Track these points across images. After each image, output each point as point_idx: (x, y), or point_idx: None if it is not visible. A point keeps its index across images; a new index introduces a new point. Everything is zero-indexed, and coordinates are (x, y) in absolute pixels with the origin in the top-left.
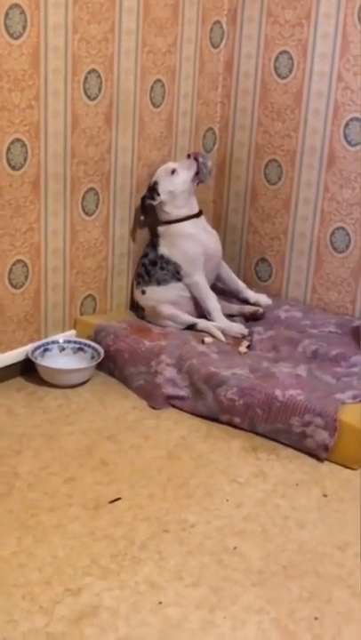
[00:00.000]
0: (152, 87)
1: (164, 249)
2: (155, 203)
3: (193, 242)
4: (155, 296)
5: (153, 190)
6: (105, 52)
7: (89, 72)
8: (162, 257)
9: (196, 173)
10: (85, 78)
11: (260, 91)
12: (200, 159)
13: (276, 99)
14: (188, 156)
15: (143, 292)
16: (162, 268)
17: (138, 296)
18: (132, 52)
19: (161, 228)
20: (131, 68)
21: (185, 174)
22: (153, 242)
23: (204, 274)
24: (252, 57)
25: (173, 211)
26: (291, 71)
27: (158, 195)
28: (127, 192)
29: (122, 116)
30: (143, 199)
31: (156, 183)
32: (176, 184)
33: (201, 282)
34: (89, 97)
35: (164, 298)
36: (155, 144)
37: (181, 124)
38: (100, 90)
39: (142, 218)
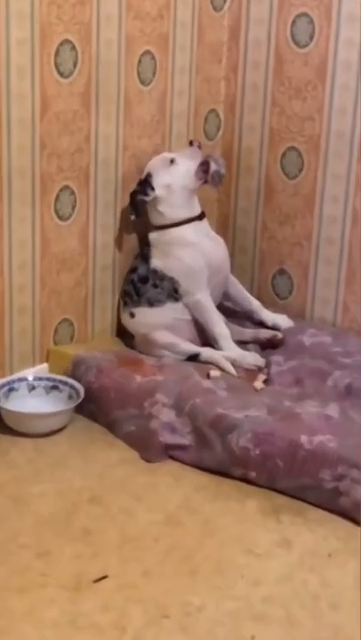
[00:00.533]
0: (140, 61)
1: (157, 261)
2: (148, 199)
3: (194, 251)
4: (146, 320)
5: (146, 184)
6: (80, 18)
7: (61, 43)
8: (155, 271)
9: (203, 166)
10: (57, 51)
11: (273, 63)
12: (212, 164)
13: (295, 72)
14: (191, 143)
15: (132, 316)
16: (155, 286)
17: (126, 320)
18: (114, 18)
19: (153, 235)
20: (113, 37)
21: (187, 165)
22: (143, 252)
23: (209, 291)
24: (263, 22)
25: (169, 211)
26: (311, 38)
27: (153, 189)
28: (111, 190)
29: (103, 96)
30: (133, 194)
31: (149, 175)
32: (176, 176)
33: (205, 301)
34: (61, 74)
35: (158, 322)
36: (144, 131)
37: (177, 105)
38: (75, 65)
39: (133, 217)
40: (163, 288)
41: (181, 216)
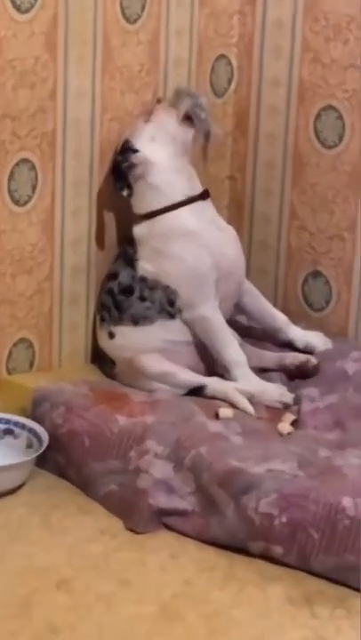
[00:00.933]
0: None
1: (145, 264)
2: (136, 162)
3: (197, 245)
4: (131, 342)
5: (126, 150)
6: None
7: None
8: (143, 279)
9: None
10: None
11: None
12: (187, 100)
13: (333, 5)
14: (158, 100)
15: (111, 336)
16: (142, 298)
17: (103, 341)
18: None
19: (139, 229)
20: None
21: (170, 118)
22: (126, 253)
23: (218, 302)
24: None
25: (160, 188)
26: None
27: (136, 151)
28: (85, 165)
29: (74, 38)
30: (116, 164)
31: (127, 141)
32: (159, 129)
33: (213, 316)
34: (18, 8)
35: (146, 344)
36: (130, 84)
37: (174, 49)
38: None
39: (126, 193)
40: (153, 301)
41: (176, 194)
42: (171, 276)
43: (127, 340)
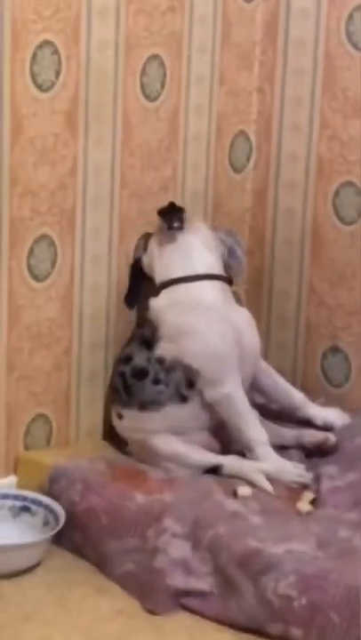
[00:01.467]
0: (144, 66)
1: (166, 344)
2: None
3: (218, 319)
4: (140, 424)
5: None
6: (66, 12)
7: (39, 45)
8: (160, 360)
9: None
10: (34, 56)
11: (323, 68)
12: (230, 238)
13: (352, 82)
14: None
15: (120, 417)
16: (156, 382)
17: (114, 421)
18: (110, 12)
19: (158, 300)
20: (109, 37)
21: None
22: (143, 335)
23: (240, 380)
24: (308, 15)
25: (192, 255)
26: None
27: (145, 248)
28: (104, 241)
29: (94, 115)
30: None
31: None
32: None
33: (237, 394)
34: (40, 87)
35: (155, 426)
36: (149, 160)
37: (193, 125)
38: (57, 75)
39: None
40: (168, 384)
41: (203, 266)
42: (193, 354)
43: (135, 422)
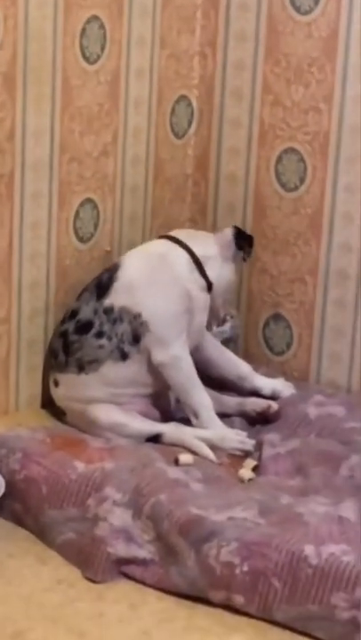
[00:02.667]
0: (84, 29)
1: (119, 292)
2: None
3: (179, 282)
4: (76, 393)
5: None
6: None
7: None
8: (108, 310)
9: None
10: None
11: (266, 34)
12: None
13: (294, 47)
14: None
15: (56, 383)
16: (99, 335)
17: (51, 388)
18: None
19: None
20: None
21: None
22: (99, 282)
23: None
24: None
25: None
26: (317, 2)
27: None
28: (43, 206)
29: (33, 77)
30: None
31: None
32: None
33: (185, 357)
34: None
35: (92, 397)
36: (89, 124)
37: (134, 89)
38: None
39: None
40: (111, 337)
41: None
42: (147, 305)
43: (72, 389)
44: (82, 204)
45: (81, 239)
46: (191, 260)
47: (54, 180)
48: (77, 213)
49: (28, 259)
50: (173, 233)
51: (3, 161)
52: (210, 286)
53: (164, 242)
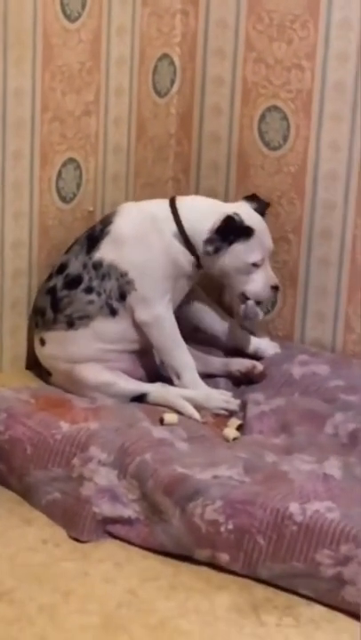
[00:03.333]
0: None
1: (108, 246)
2: None
3: (167, 245)
4: (64, 351)
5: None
6: None
7: None
8: (97, 265)
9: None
10: None
11: None
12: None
13: (276, 4)
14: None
15: (42, 342)
16: (88, 290)
17: (36, 349)
18: None
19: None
20: None
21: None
22: (90, 234)
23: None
24: None
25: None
26: None
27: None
28: (25, 166)
29: (13, 35)
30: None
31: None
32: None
33: (168, 318)
34: None
35: (81, 354)
36: (71, 83)
37: (116, 47)
38: None
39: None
40: (100, 293)
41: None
42: (132, 262)
43: (59, 347)
44: (64, 164)
45: (64, 199)
46: (178, 233)
47: (36, 139)
48: (60, 173)
49: (11, 218)
50: (182, 199)
51: None
52: (199, 263)
53: (164, 205)
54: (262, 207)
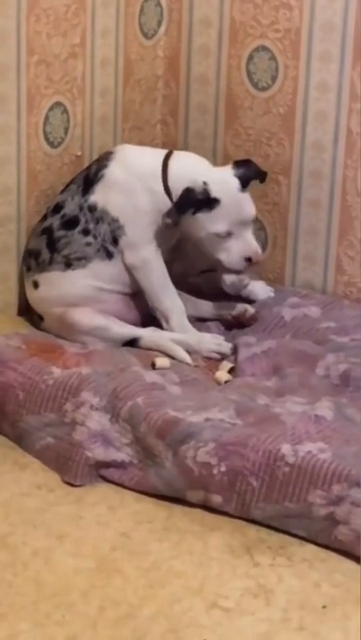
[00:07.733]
0: None
1: (100, 191)
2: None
3: (153, 192)
4: (58, 293)
5: None
6: None
7: None
8: (92, 208)
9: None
10: None
11: None
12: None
13: None
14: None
15: (35, 285)
16: (85, 232)
17: (29, 293)
18: None
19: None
20: None
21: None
22: (87, 175)
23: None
24: None
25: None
26: None
27: None
28: (12, 112)
29: None
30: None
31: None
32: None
33: (155, 259)
34: None
35: (76, 295)
36: (56, 26)
37: None
38: None
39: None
40: (96, 236)
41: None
42: (119, 208)
43: (54, 289)
44: (51, 108)
45: (51, 144)
46: (164, 191)
47: (22, 83)
48: (47, 118)
49: None
50: (175, 156)
51: None
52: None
53: (157, 160)
54: (252, 174)
